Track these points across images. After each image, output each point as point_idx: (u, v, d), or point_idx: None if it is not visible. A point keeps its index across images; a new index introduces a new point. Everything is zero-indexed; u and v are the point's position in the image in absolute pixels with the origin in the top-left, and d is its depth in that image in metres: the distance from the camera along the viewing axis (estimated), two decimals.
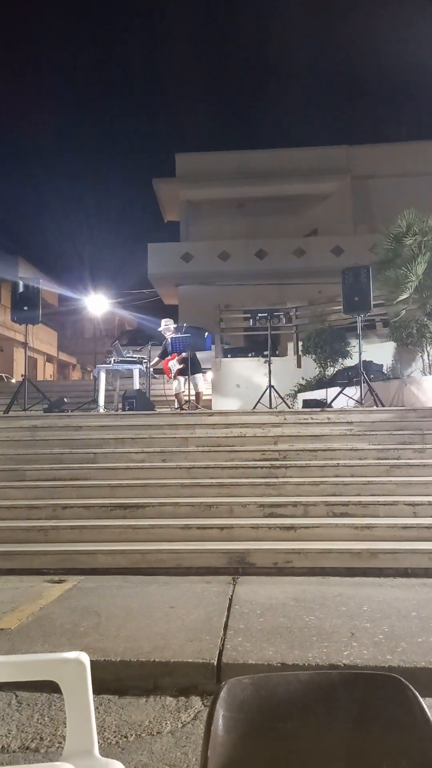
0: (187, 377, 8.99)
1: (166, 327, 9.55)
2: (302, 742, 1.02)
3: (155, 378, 11.09)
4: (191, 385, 8.99)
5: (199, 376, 9.29)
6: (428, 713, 1.00)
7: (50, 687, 2.42)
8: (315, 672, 1.13)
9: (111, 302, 24.61)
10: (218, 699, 1.01)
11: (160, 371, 10.44)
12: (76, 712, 1.34)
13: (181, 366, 9.06)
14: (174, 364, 9.16)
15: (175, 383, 9.46)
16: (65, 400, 8.77)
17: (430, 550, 4.27)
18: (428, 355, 8.90)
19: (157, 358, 9.62)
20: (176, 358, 9.13)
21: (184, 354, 8.99)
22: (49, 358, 30.99)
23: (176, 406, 9.33)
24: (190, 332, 9.38)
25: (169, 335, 9.37)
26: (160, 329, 9.73)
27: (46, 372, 29.76)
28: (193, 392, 9.01)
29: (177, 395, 9.43)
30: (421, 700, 1.02)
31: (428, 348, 8.91)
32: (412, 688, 1.04)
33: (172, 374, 9.31)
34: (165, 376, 10.04)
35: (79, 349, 34.19)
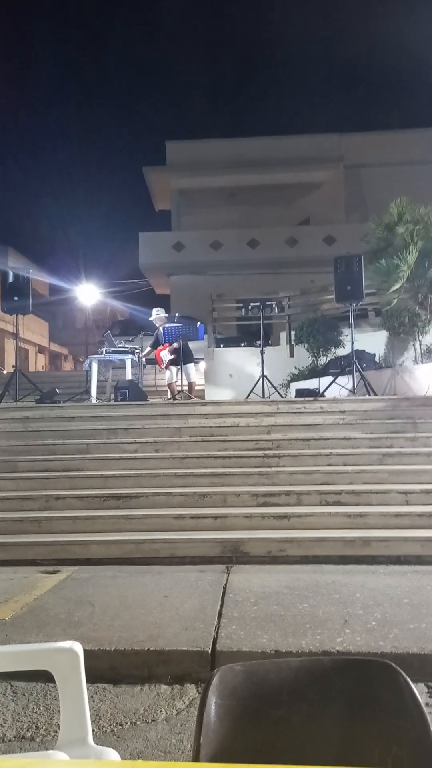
0: (179, 367, 8.97)
1: (158, 316, 9.51)
2: (294, 728, 1.03)
3: (147, 368, 11.06)
4: (184, 375, 8.97)
5: (191, 366, 9.27)
6: (419, 699, 1.01)
7: (45, 676, 2.43)
8: (306, 658, 1.14)
9: (102, 292, 24.49)
10: (210, 686, 1.02)
11: (152, 361, 10.41)
12: (70, 701, 1.34)
13: (173, 356, 9.03)
14: (166, 354, 9.14)
15: (167, 373, 9.44)
16: (57, 390, 8.74)
17: (423, 537, 4.31)
18: (420, 344, 8.93)
19: (149, 348, 9.59)
20: (168, 348, 9.11)
21: (175, 344, 8.97)
22: (41, 349, 30.81)
23: (169, 396, 9.32)
24: (182, 322, 9.36)
25: (160, 325, 9.34)
26: (151, 319, 9.69)
27: (37, 363, 29.60)
28: (185, 382, 9.00)
29: (169, 385, 9.42)
30: (412, 685, 1.03)
31: (420, 337, 8.94)
32: (404, 673, 1.05)
33: (164, 364, 9.28)
34: (157, 366, 10.02)
35: (70, 339, 34.00)
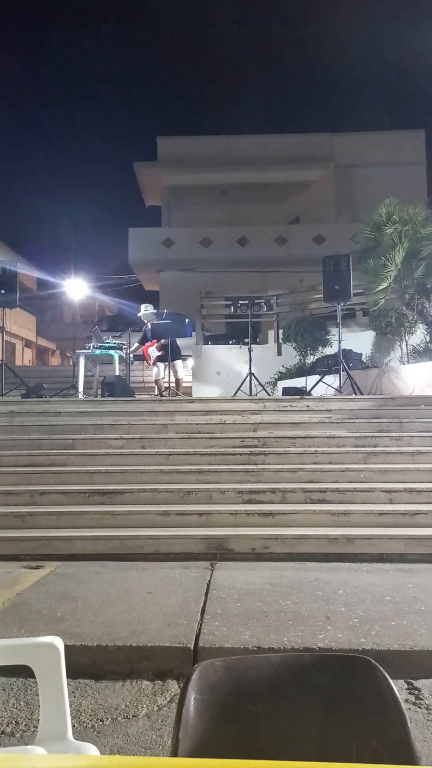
0: (167, 364, 8.95)
1: (146, 312, 9.48)
2: (273, 723, 1.03)
3: (135, 364, 11.02)
4: (171, 371, 8.96)
5: (179, 362, 9.26)
6: (397, 694, 1.02)
7: (26, 672, 2.41)
8: (287, 654, 1.14)
9: (91, 287, 24.32)
10: (190, 682, 1.02)
11: (140, 357, 10.39)
12: (50, 696, 1.34)
13: (161, 353, 9.01)
14: (153, 351, 9.12)
15: (154, 369, 9.42)
16: (44, 385, 8.68)
17: (405, 535, 4.35)
18: (406, 345, 9.00)
19: (136, 344, 9.56)
20: (156, 344, 9.08)
21: (163, 340, 8.95)
22: (28, 344, 30.57)
23: (156, 392, 9.30)
24: (170, 318, 9.33)
25: (148, 321, 9.31)
26: (139, 315, 9.66)
27: (24, 357, 29.37)
28: (173, 379, 8.98)
29: (157, 381, 9.40)
30: (390, 681, 1.04)
31: (407, 337, 9.01)
32: (382, 669, 1.05)
33: (152, 360, 9.26)
34: (145, 362, 9.99)
35: (58, 334, 33.76)
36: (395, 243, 8.58)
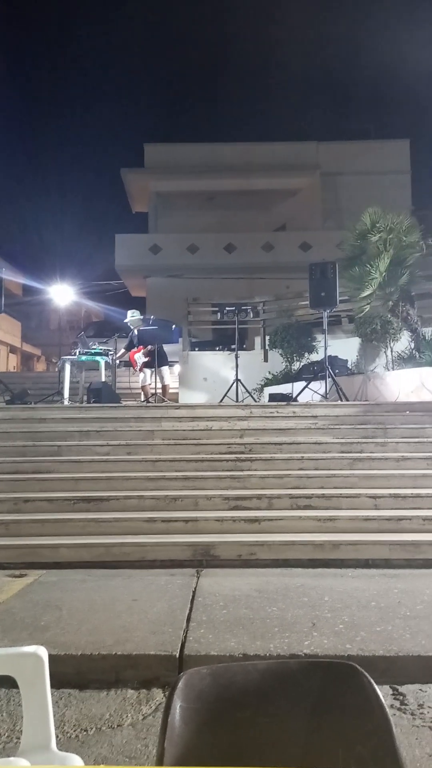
0: (153, 370, 8.94)
1: (133, 318, 9.47)
2: (260, 730, 1.03)
3: (121, 370, 10.99)
4: (158, 377, 8.94)
5: (165, 368, 9.25)
6: (382, 699, 1.02)
7: (9, 682, 2.37)
8: (273, 661, 1.14)
9: (77, 293, 24.23)
10: (176, 690, 1.01)
11: (127, 363, 10.36)
12: (33, 707, 1.32)
13: (147, 359, 9.00)
14: (140, 357, 9.10)
15: (141, 375, 9.40)
16: (28, 391, 8.63)
17: (391, 541, 4.37)
18: (391, 351, 9.07)
19: (123, 350, 9.53)
20: (142, 350, 9.07)
21: (150, 347, 8.94)
22: (13, 349, 30.33)
23: (142, 398, 9.28)
24: (157, 324, 9.33)
25: (135, 327, 9.30)
26: (126, 321, 9.64)
27: (9, 363, 29.13)
28: (159, 385, 8.97)
29: (143, 388, 9.38)
30: (376, 687, 1.04)
31: (391, 344, 9.08)
32: (368, 675, 1.06)
33: (138, 366, 9.25)
34: (131, 368, 9.97)
35: (44, 340, 33.56)
36: (380, 250, 8.66)
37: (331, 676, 1.07)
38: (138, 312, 9.78)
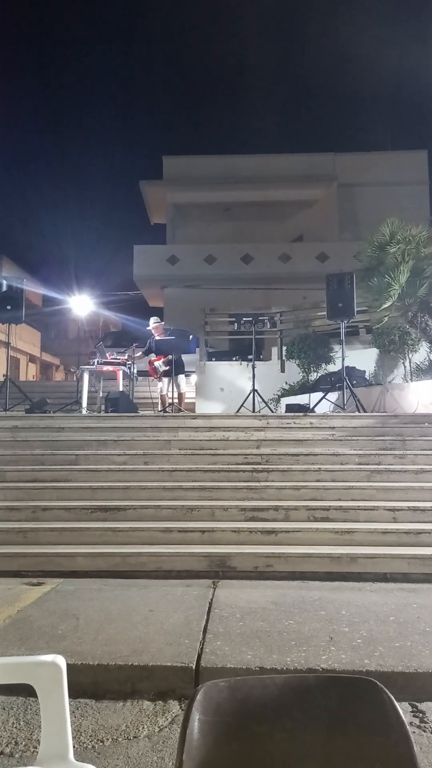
0: (170, 379, 8.98)
1: (156, 325, 9.54)
2: (277, 744, 1.03)
3: (139, 380, 11.05)
4: (174, 385, 8.98)
5: (182, 376, 9.29)
6: (402, 716, 1.01)
7: (26, 690, 2.39)
8: (291, 675, 1.13)
9: (96, 303, 24.46)
10: (194, 702, 1.01)
11: (144, 373, 10.41)
12: (51, 716, 1.33)
13: (168, 367, 9.05)
14: (160, 365, 9.16)
15: (160, 384, 9.45)
16: (48, 400, 8.71)
17: (409, 555, 4.31)
18: (410, 362, 9.00)
19: (140, 353, 9.54)
20: (163, 359, 9.12)
21: (170, 356, 8.98)
22: (32, 359, 30.68)
23: (159, 408, 9.31)
24: (174, 335, 9.38)
25: (158, 335, 9.36)
26: (148, 328, 9.71)
27: (28, 372, 29.46)
28: (176, 393, 9.00)
29: (162, 397, 9.42)
30: (396, 703, 1.03)
31: (410, 355, 9.02)
32: (387, 691, 1.05)
33: (158, 375, 9.30)
34: (149, 378, 10.03)
35: (62, 350, 33.90)
36: (399, 262, 8.62)
37: (351, 691, 1.06)
38: (159, 319, 9.91)
